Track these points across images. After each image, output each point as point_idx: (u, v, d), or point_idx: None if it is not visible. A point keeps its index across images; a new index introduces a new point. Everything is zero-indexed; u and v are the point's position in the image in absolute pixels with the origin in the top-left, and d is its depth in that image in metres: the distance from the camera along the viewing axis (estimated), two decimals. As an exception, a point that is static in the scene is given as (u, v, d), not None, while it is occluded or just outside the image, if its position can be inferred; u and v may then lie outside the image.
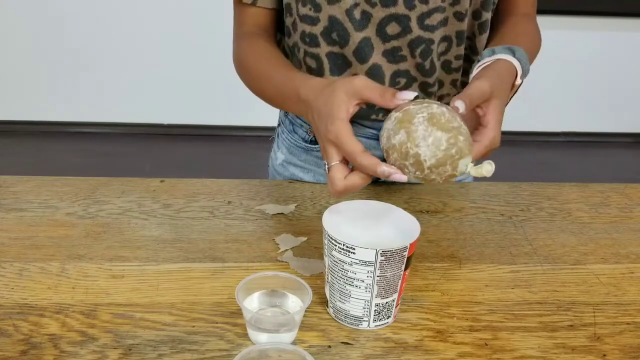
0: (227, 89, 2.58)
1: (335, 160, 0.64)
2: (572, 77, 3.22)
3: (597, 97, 3.30)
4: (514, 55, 0.73)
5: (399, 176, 0.62)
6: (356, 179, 0.64)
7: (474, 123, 0.68)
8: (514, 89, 0.75)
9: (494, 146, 0.66)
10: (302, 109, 0.72)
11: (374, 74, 0.85)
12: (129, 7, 2.90)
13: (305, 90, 0.71)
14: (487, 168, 0.62)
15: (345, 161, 0.65)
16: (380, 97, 0.63)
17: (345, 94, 0.64)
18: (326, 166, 0.65)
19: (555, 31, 3.06)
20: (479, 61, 0.75)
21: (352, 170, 0.64)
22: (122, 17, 2.92)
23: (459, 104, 0.63)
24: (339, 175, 0.64)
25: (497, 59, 0.73)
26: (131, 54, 3.00)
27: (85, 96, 3.06)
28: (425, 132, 0.60)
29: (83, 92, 3.06)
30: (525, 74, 0.75)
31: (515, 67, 0.73)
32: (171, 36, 2.96)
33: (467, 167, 0.62)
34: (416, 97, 0.63)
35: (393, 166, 0.62)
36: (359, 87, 0.64)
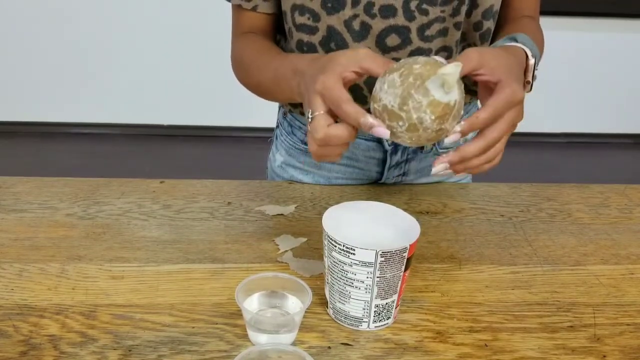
0: (227, 90, 2.58)
1: (320, 110, 0.62)
2: (572, 77, 3.23)
3: (597, 97, 3.30)
4: (516, 41, 0.71)
5: (382, 130, 0.60)
6: (339, 129, 0.61)
7: (487, 93, 0.65)
8: (528, 70, 0.72)
9: (516, 97, 0.63)
10: (294, 84, 0.70)
11: (373, 83, 0.85)
12: (129, 9, 2.90)
13: (302, 62, 0.69)
14: (449, 69, 0.57)
15: (332, 114, 0.62)
16: (383, 66, 0.62)
17: (345, 58, 0.62)
18: (309, 115, 0.63)
19: (556, 32, 3.06)
20: None
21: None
22: (123, 19, 2.92)
23: (437, 57, 0.62)
24: (322, 123, 0.61)
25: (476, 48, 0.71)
26: (131, 55, 3.00)
27: (85, 97, 3.07)
28: (380, 83, 0.60)
29: (83, 93, 3.06)
30: (534, 54, 0.72)
31: (522, 48, 0.70)
32: (171, 37, 2.96)
33: (444, 85, 0.57)
34: None
35: (378, 119, 0.60)
36: (361, 55, 0.62)
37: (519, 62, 0.70)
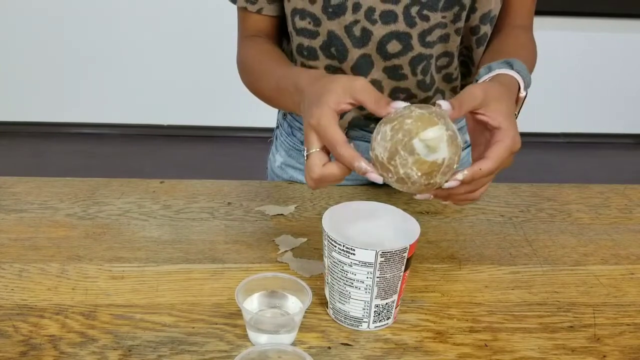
0: (227, 90, 2.59)
1: (315, 147, 0.62)
2: (572, 77, 3.23)
3: (597, 97, 3.30)
4: (512, 68, 0.71)
5: (374, 176, 0.60)
6: (334, 169, 0.61)
7: (484, 133, 0.66)
8: (519, 101, 0.72)
9: (515, 147, 0.63)
10: (296, 100, 0.70)
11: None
12: (130, 9, 2.90)
13: (303, 80, 0.69)
14: (433, 131, 0.57)
15: (326, 150, 0.63)
16: (375, 103, 0.61)
17: (341, 88, 0.62)
18: (305, 153, 0.63)
19: (556, 32, 3.06)
20: (476, 80, 0.72)
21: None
22: (123, 19, 2.92)
23: (441, 102, 0.61)
24: (317, 162, 0.62)
25: (496, 74, 0.70)
26: (131, 55, 3.00)
27: (85, 97, 3.07)
28: (376, 132, 0.60)
29: (83, 93, 3.06)
30: (527, 85, 0.72)
31: (516, 79, 0.70)
32: (171, 38, 2.96)
33: (428, 146, 0.57)
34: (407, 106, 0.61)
35: (371, 165, 0.61)
36: (357, 87, 0.62)
37: (513, 98, 0.69)
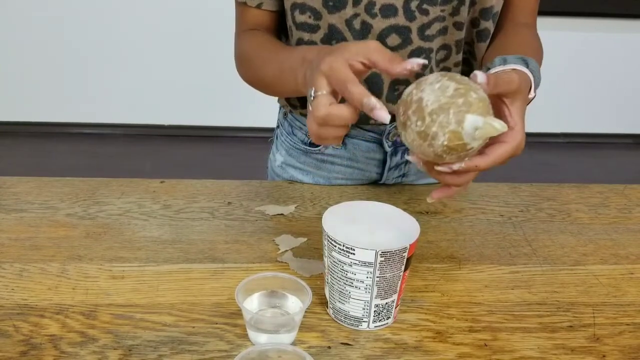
0: (227, 90, 2.59)
1: (323, 90, 0.61)
2: (571, 78, 3.23)
3: (597, 97, 3.30)
4: (527, 67, 0.70)
5: (382, 113, 0.58)
6: (341, 109, 0.60)
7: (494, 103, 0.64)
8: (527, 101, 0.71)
9: (518, 151, 0.63)
10: (300, 73, 0.68)
11: (373, 81, 0.85)
12: (130, 8, 2.90)
13: (312, 52, 0.68)
14: (497, 125, 0.56)
15: (334, 94, 0.61)
16: (389, 61, 0.60)
17: (355, 48, 0.61)
18: (312, 94, 0.61)
19: (555, 32, 3.06)
20: (488, 69, 0.71)
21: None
22: (123, 19, 2.92)
23: (478, 72, 0.59)
24: (325, 102, 0.60)
25: (512, 69, 0.69)
26: (132, 55, 3.00)
27: (85, 97, 3.07)
28: (435, 79, 0.58)
29: (83, 93, 3.06)
30: (536, 86, 0.71)
31: (530, 79, 0.70)
32: (171, 37, 2.96)
33: (477, 130, 0.56)
34: (425, 66, 0.60)
35: (380, 102, 0.59)
36: (370, 47, 0.61)
37: (527, 93, 0.69)
